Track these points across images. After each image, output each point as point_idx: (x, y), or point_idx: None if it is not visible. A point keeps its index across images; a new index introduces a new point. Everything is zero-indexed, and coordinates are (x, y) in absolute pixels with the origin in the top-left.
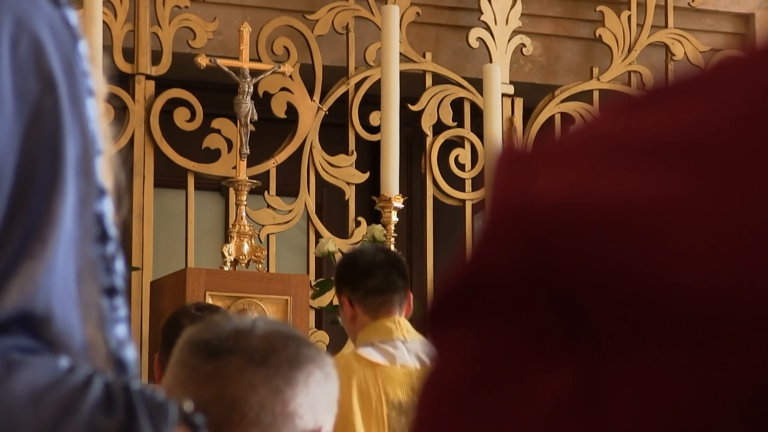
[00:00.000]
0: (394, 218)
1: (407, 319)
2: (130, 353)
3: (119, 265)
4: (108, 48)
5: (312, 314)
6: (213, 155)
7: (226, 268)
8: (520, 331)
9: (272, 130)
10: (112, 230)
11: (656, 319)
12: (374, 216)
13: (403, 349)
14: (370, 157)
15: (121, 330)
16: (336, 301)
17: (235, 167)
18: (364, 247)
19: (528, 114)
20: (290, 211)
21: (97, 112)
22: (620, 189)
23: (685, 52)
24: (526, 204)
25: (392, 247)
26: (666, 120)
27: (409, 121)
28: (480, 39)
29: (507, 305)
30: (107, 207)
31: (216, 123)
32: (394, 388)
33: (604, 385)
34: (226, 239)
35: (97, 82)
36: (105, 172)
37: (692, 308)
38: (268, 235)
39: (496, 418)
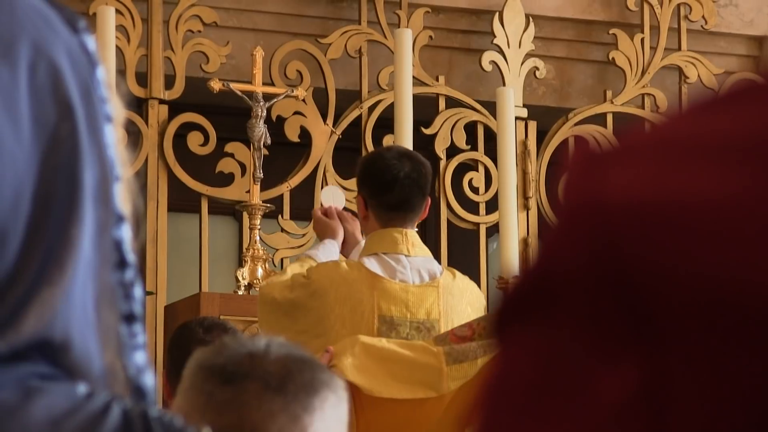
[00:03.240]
0: None
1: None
2: (149, 380)
3: (138, 291)
4: (121, 72)
5: None
6: (226, 179)
7: (240, 293)
8: (587, 331)
9: (286, 153)
10: (131, 257)
11: (729, 320)
12: None
13: (405, 264)
14: None
15: (139, 357)
16: None
17: (248, 191)
18: (392, 151)
19: (541, 137)
20: (304, 235)
21: (115, 139)
22: (694, 189)
23: (698, 75)
24: (598, 203)
25: None
26: (742, 122)
27: (423, 145)
28: (493, 62)
29: (575, 305)
30: (126, 233)
31: (229, 147)
32: (388, 303)
33: (668, 386)
34: (240, 263)
35: (115, 108)
36: (123, 199)
37: None
38: (282, 259)
39: (562, 417)
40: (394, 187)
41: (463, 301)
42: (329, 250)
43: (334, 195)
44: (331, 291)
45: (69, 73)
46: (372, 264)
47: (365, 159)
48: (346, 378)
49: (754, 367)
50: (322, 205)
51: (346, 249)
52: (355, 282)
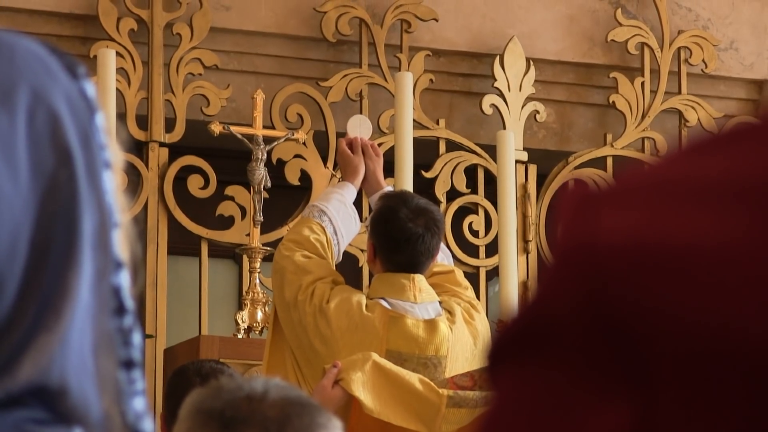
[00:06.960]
0: None
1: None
2: (148, 426)
3: (136, 337)
4: (122, 115)
5: None
6: (226, 222)
7: (239, 336)
8: (579, 370)
9: (286, 197)
10: (129, 303)
11: (719, 364)
12: None
13: (414, 308)
14: None
15: (138, 403)
16: None
17: (248, 234)
18: (409, 205)
19: (542, 180)
20: None
21: (114, 185)
22: (687, 233)
23: (698, 119)
24: (591, 245)
25: None
26: (738, 164)
27: (423, 188)
28: (493, 105)
29: (567, 345)
30: (124, 280)
31: (229, 190)
32: (396, 338)
33: (659, 426)
34: (240, 306)
35: (114, 155)
36: (122, 245)
37: (762, 358)
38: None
39: None
40: (405, 250)
41: (467, 332)
42: (341, 203)
43: (361, 124)
44: (344, 323)
45: (68, 120)
46: (383, 304)
47: (380, 211)
48: (351, 392)
49: (745, 411)
50: (348, 135)
51: (365, 187)
52: (368, 318)
